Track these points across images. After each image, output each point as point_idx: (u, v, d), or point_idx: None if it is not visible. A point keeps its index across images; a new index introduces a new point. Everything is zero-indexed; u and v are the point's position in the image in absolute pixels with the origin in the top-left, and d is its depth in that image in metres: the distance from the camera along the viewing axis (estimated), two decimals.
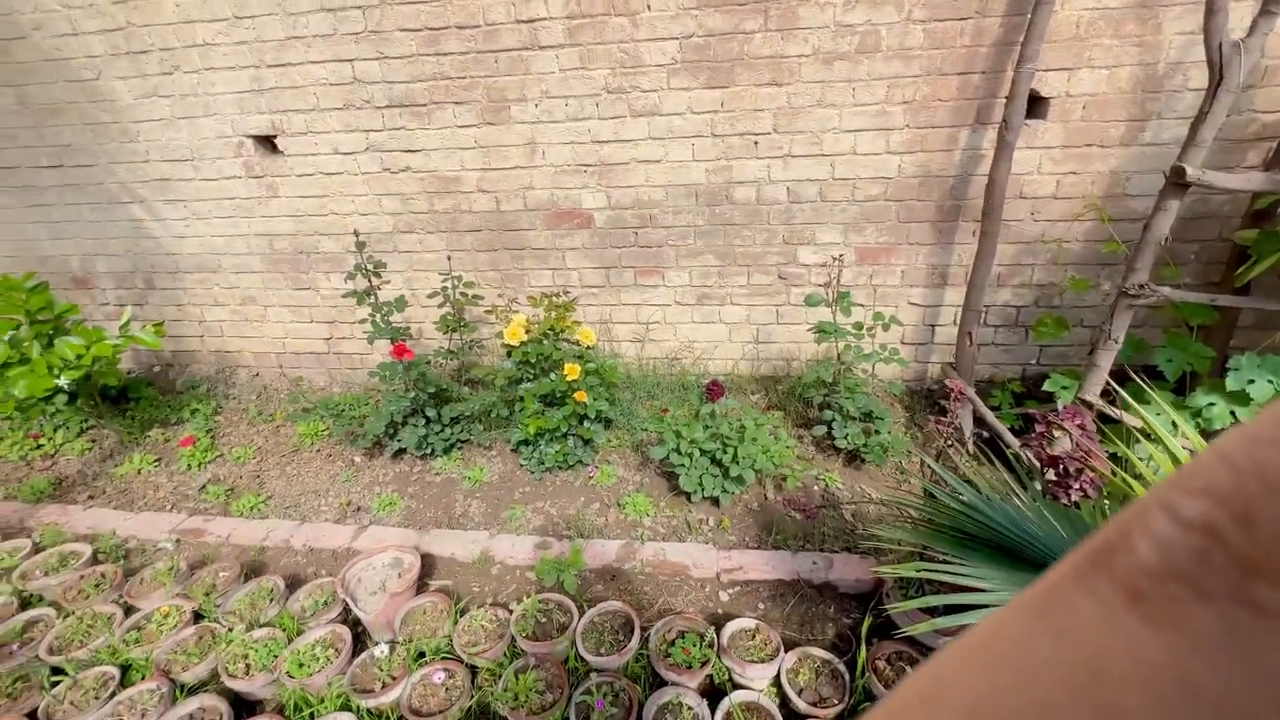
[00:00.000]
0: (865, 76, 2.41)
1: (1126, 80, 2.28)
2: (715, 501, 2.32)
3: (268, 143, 2.91)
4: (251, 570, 2.17)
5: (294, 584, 2.06)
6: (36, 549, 2.27)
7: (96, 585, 2.04)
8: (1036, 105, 2.36)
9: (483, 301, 2.85)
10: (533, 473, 2.57)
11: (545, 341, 2.56)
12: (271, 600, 1.94)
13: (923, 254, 2.68)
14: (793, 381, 2.90)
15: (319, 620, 1.85)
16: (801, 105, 2.49)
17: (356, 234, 2.46)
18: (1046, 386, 2.41)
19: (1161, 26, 2.19)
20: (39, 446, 2.96)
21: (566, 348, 2.61)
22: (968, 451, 2.25)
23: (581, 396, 2.43)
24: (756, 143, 2.57)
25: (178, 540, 2.35)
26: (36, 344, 2.58)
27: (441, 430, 2.67)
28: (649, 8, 2.42)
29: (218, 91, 2.81)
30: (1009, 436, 2.20)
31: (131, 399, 3.22)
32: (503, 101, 2.65)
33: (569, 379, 2.42)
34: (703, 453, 2.30)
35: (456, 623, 1.83)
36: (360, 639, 1.85)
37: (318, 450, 2.87)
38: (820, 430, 2.51)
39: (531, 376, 2.60)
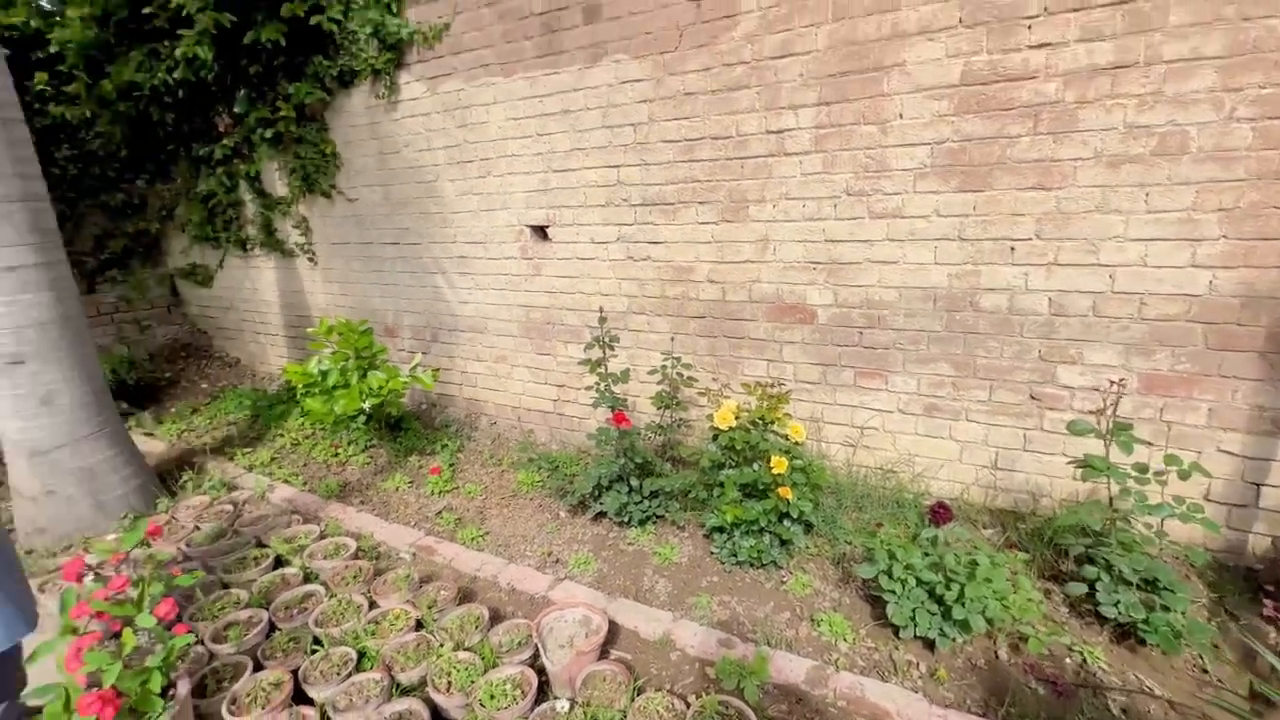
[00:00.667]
0: (1164, 181, 2.10)
1: None
2: (929, 645, 1.99)
3: (541, 231, 3.48)
4: (464, 595, 2.40)
5: (495, 617, 2.22)
6: (321, 535, 2.81)
7: (355, 576, 2.44)
8: None
9: (697, 383, 2.96)
10: (723, 563, 2.49)
11: (753, 430, 2.55)
12: (476, 627, 2.12)
13: (1243, 391, 2.13)
14: (1040, 521, 2.44)
15: (512, 658, 1.96)
16: (1074, 211, 2.24)
17: (601, 310, 2.78)
18: None
19: None
20: (336, 454, 3.74)
21: (774, 440, 2.56)
22: None
23: (785, 493, 2.33)
24: (1013, 248, 2.36)
25: (414, 554, 2.72)
26: (356, 374, 3.32)
27: (641, 501, 2.75)
28: (900, 116, 2.44)
29: (513, 190, 3.48)
30: None
31: (403, 428, 3.92)
32: (742, 202, 2.84)
33: (774, 471, 2.35)
34: (919, 583, 2.01)
35: (633, 700, 1.79)
36: (542, 688, 1.91)
37: (531, 499, 3.15)
38: (1078, 589, 2.04)
39: (735, 463, 2.58)
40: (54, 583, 2.51)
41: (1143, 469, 2.01)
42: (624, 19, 2.92)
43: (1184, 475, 1.97)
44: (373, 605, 2.29)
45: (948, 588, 1.95)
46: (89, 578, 1.71)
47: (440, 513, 3.07)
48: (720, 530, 2.54)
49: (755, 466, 2.49)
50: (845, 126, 2.55)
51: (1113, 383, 2.05)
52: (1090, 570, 2.04)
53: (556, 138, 3.26)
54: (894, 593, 2.03)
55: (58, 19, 4.65)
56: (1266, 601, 1.91)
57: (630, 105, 3.01)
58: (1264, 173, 1.97)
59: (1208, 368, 2.16)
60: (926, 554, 2.04)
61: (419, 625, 2.17)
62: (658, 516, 2.80)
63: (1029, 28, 2.18)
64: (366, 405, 3.23)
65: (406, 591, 2.33)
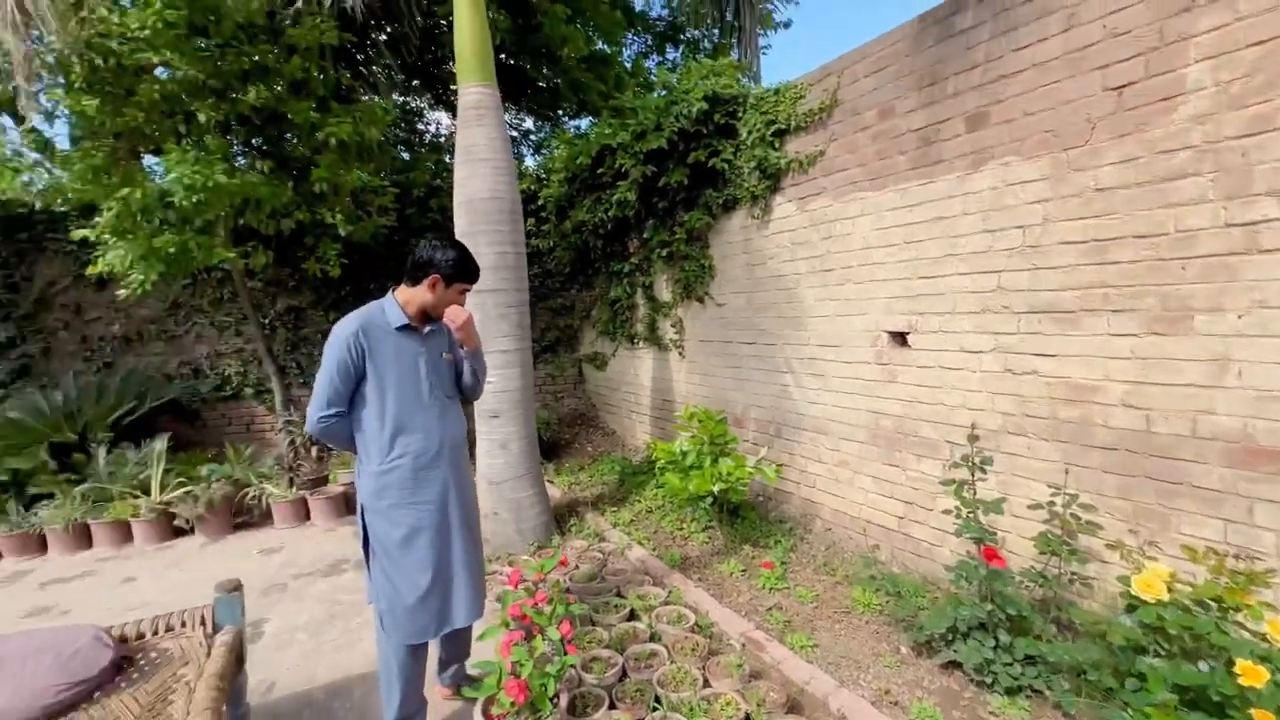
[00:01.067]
0: None
1: None
2: None
3: (899, 337, 3.38)
4: (792, 705, 2.32)
5: None
6: (666, 601, 3.11)
7: (692, 649, 2.61)
8: None
9: (1101, 531, 2.36)
10: None
11: (1200, 614, 1.88)
12: None
13: None
14: None
15: None
16: None
17: (973, 426, 2.51)
18: None
19: None
20: (681, 528, 4.13)
21: (1238, 636, 1.83)
22: None
23: (1265, 718, 1.62)
24: None
25: (743, 644, 2.77)
26: (709, 458, 3.68)
27: (1011, 664, 2.27)
28: None
29: (873, 297, 3.50)
30: None
31: (741, 516, 4.12)
32: (1183, 310, 2.26)
33: (1243, 682, 1.67)
34: None
35: None
36: None
37: (866, 621, 2.91)
38: None
39: (1165, 652, 1.93)
40: (493, 583, 3.37)
41: None
42: (1016, 121, 2.76)
43: None
44: (706, 683, 2.39)
45: None
46: (521, 587, 2.25)
47: (770, 609, 3.07)
48: None
49: (1204, 667, 1.81)
50: None
51: None
52: None
53: (925, 244, 3.18)
54: None
55: (545, 183, 6.75)
56: None
57: (1019, 207, 2.76)
58: None
59: None
60: None
61: (747, 718, 2.17)
62: (1034, 690, 2.25)
63: None
64: (715, 488, 3.52)
65: (737, 680, 2.38)
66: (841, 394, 3.74)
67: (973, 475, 2.47)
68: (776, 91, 4.10)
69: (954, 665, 2.45)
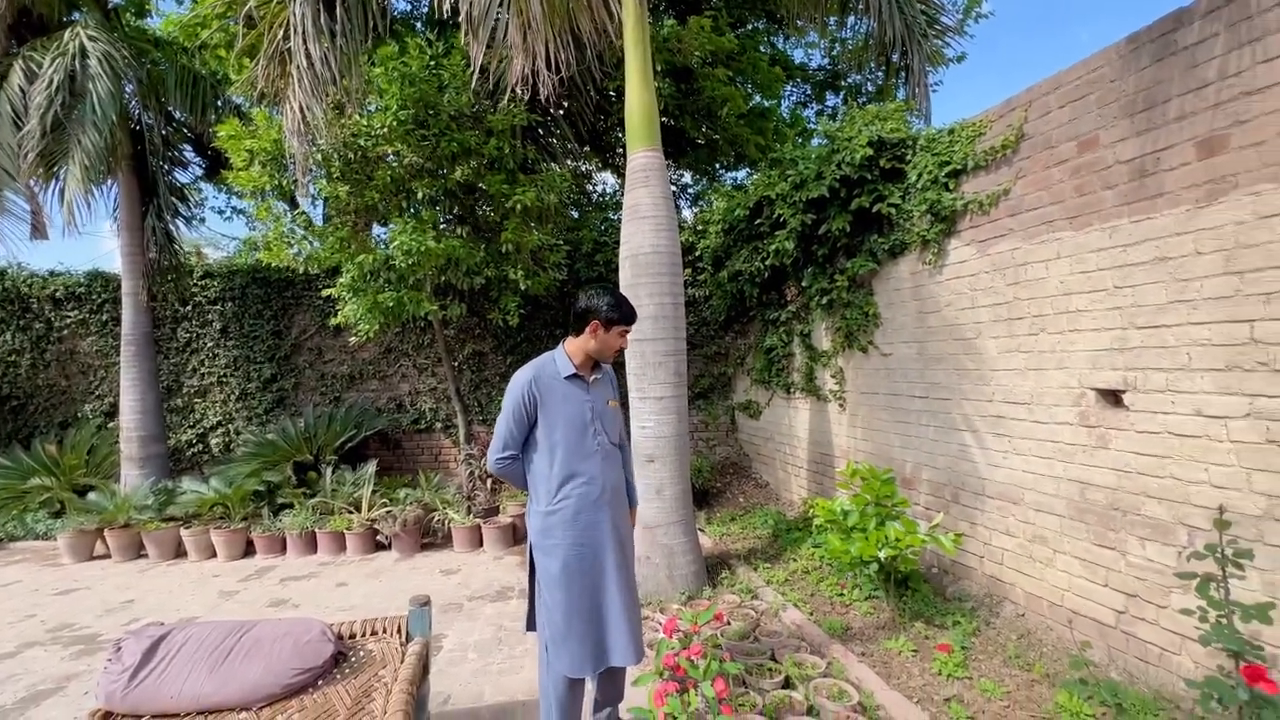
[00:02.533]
0: None
1: None
2: None
3: (1112, 396, 2.91)
4: None
5: None
6: (825, 673, 2.89)
7: None
8: None
9: None
10: None
11: None
12: None
13: None
14: None
15: None
16: None
17: (1221, 509, 2.06)
18: None
19: None
20: (841, 594, 3.84)
21: None
22: None
23: None
24: None
25: None
26: (874, 520, 3.41)
27: None
28: None
29: (1074, 349, 3.06)
30: None
31: (910, 588, 3.73)
32: None
33: None
34: None
35: None
36: None
37: None
38: None
39: None
40: (644, 628, 3.40)
41: None
42: (1267, 144, 2.31)
43: None
44: None
45: None
46: (675, 637, 2.25)
47: (949, 700, 2.71)
48: None
49: None
50: None
51: None
52: None
53: (1144, 289, 2.74)
54: None
55: (703, 234, 6.96)
56: None
57: (1276, 244, 2.28)
58: None
59: None
60: None
61: None
62: None
63: None
64: (881, 554, 3.25)
65: None
66: (1034, 458, 3.28)
67: (1223, 570, 2.00)
68: (951, 131, 3.88)
69: None
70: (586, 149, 10.12)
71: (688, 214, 10.98)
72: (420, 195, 5.28)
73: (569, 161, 9.32)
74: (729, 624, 3.41)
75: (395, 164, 5.29)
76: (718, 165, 10.02)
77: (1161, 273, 2.68)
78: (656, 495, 4.09)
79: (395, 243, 4.96)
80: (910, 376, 4.25)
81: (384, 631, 2.56)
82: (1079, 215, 3.05)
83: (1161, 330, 2.68)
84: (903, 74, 6.83)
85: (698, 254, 7.10)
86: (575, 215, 9.89)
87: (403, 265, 5.02)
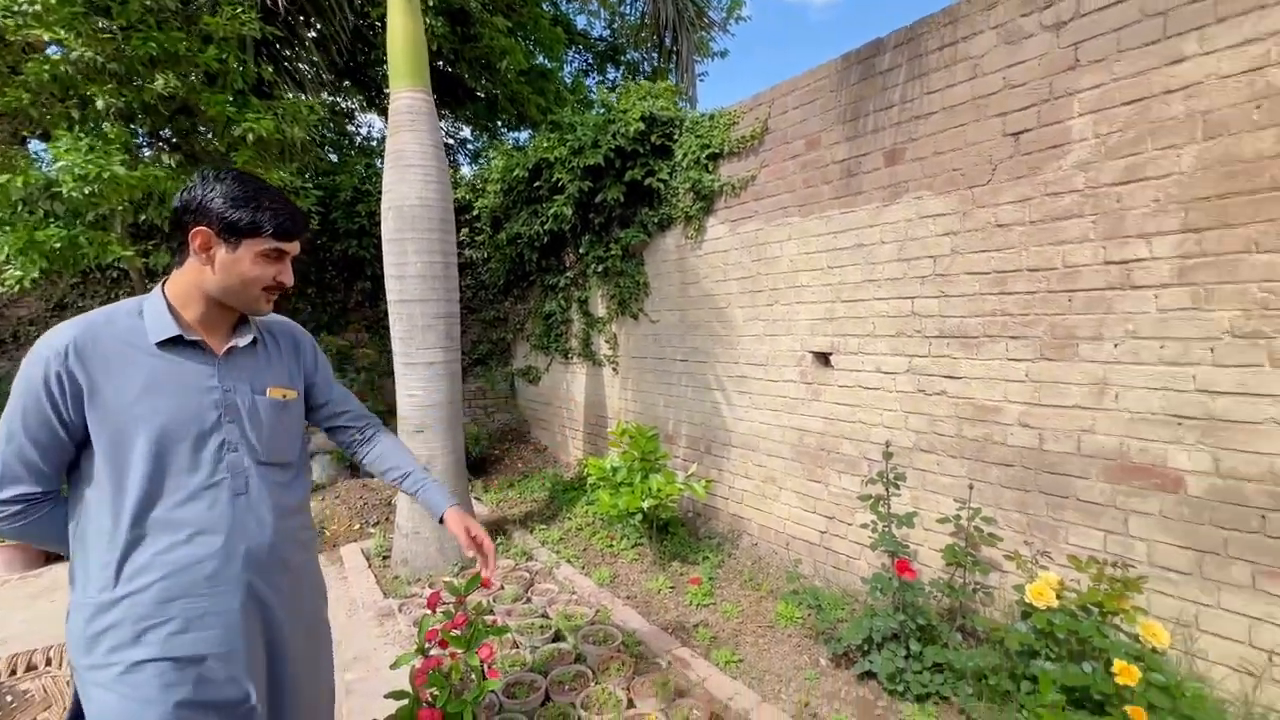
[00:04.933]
0: None
1: None
2: None
3: (823, 358, 3.52)
4: None
5: None
6: (593, 621, 3.06)
7: (619, 669, 2.57)
8: None
9: (1000, 543, 2.52)
10: None
11: (1084, 618, 2.04)
12: None
13: None
14: None
15: None
16: None
17: (887, 444, 2.63)
18: None
19: None
20: (611, 545, 4.09)
21: (1117, 639, 1.99)
22: None
23: (1138, 715, 1.77)
24: None
25: (669, 662, 2.76)
26: (639, 474, 3.68)
27: (921, 672, 2.37)
28: None
29: (798, 318, 3.63)
30: None
31: (669, 533, 4.13)
32: (1069, 339, 2.48)
33: (1119, 681, 1.81)
34: None
35: None
36: None
37: (789, 635, 2.97)
38: None
39: (1055, 655, 2.07)
40: (411, 606, 3.21)
41: None
42: (927, 159, 2.96)
43: None
44: (630, 704, 2.36)
45: None
46: (440, 610, 2.15)
47: (697, 626, 3.08)
48: None
49: (1087, 667, 1.96)
50: (1227, 256, 2.09)
51: None
52: None
53: (847, 270, 3.35)
54: None
55: (481, 193, 6.64)
56: None
57: (930, 239, 2.96)
58: None
59: None
60: None
61: None
62: (941, 696, 2.36)
63: None
64: (645, 505, 3.52)
65: (662, 700, 2.36)
66: (768, 411, 3.84)
67: (887, 491, 2.59)
68: (711, 117, 4.22)
69: (869, 675, 2.54)
70: (346, 83, 8.86)
71: (467, 170, 10.38)
72: (103, 106, 4.06)
73: (324, 95, 8.06)
74: (502, 588, 3.40)
75: (59, 58, 3.98)
76: (499, 123, 9.60)
77: (859, 257, 3.29)
78: (427, 468, 3.85)
79: (61, 163, 3.76)
80: (674, 342, 4.63)
81: (47, 664, 2.00)
82: (805, 204, 3.58)
83: (857, 304, 3.31)
84: (674, 58, 7.27)
85: (475, 213, 6.76)
86: (334, 159, 8.64)
87: (75, 195, 3.83)
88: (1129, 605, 2.01)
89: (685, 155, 4.32)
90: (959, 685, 2.34)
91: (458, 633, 2.04)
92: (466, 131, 11.24)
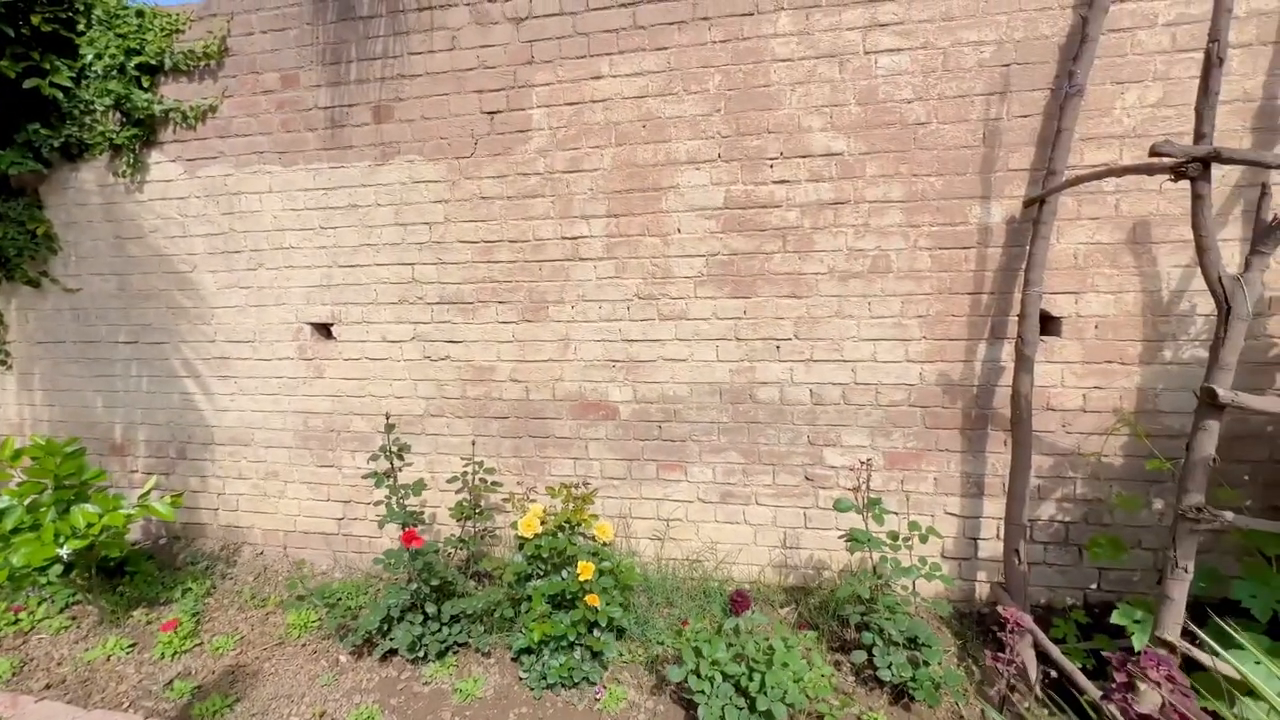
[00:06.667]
0: (880, 293, 2.58)
1: (1134, 304, 2.39)
2: None
3: (324, 329, 3.16)
4: None
5: None
6: None
7: None
8: (1050, 323, 2.46)
9: (501, 489, 2.80)
10: (532, 689, 2.26)
11: (560, 535, 2.45)
12: None
13: (955, 461, 2.60)
14: (825, 594, 2.65)
15: None
16: (820, 315, 2.64)
17: (388, 415, 2.54)
18: (1115, 618, 2.14)
19: (1157, 260, 2.36)
20: (16, 622, 2.79)
21: (582, 543, 2.48)
22: (1035, 697, 1.94)
23: (594, 600, 2.24)
24: (778, 347, 2.69)
25: None
26: (53, 510, 2.57)
27: (439, 630, 2.44)
28: (679, 230, 2.72)
29: (291, 285, 3.14)
30: (1083, 680, 1.90)
31: (128, 572, 3.08)
32: (542, 302, 2.89)
33: (581, 579, 2.25)
34: (725, 677, 2.02)
35: None
36: None
37: (304, 644, 2.63)
38: (860, 657, 2.21)
39: (543, 573, 2.44)
40: None
41: (894, 536, 2.31)
42: (416, 122, 2.93)
43: (924, 538, 2.30)
44: None
45: (750, 678, 1.98)
46: None
47: (171, 683, 2.40)
48: (528, 651, 2.33)
49: (563, 575, 2.37)
50: (633, 237, 2.77)
51: (861, 463, 2.36)
52: (866, 636, 2.23)
53: (343, 232, 3.05)
54: (703, 693, 2.00)
55: None
56: (986, 652, 2.24)
57: (425, 204, 2.96)
58: (942, 289, 2.53)
59: (928, 444, 2.61)
60: (730, 645, 2.07)
61: None
62: (459, 645, 2.50)
63: (771, 166, 2.62)
64: (65, 552, 2.48)
65: None
66: (262, 396, 3.25)
67: (392, 463, 2.53)
68: (140, 13, 3.15)
69: (392, 653, 2.48)
70: None
71: None
72: None
73: None
74: None
75: None
76: None
77: (354, 218, 3.04)
78: None
79: None
80: (112, 318, 3.39)
81: None
82: (287, 151, 3.08)
83: (357, 270, 3.07)
84: None
85: None
86: None
87: None
88: (587, 515, 2.52)
89: (101, 58, 3.11)
90: (473, 628, 2.51)
91: None
92: None
